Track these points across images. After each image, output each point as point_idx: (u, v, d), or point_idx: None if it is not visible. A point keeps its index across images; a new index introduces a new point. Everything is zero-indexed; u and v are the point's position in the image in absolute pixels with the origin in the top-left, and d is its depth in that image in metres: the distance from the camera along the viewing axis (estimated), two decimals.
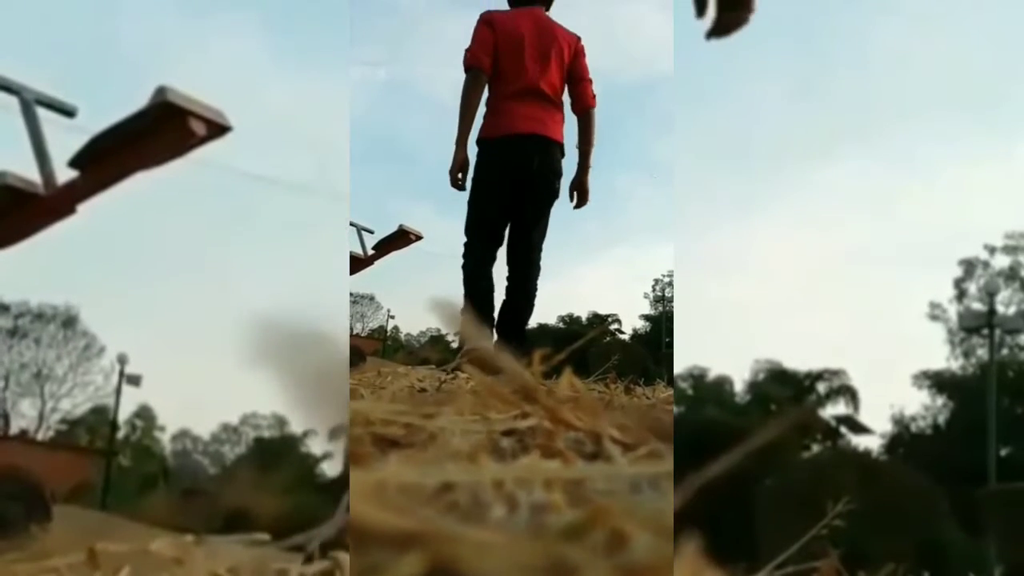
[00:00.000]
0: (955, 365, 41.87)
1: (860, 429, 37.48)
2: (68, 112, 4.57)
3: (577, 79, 6.30)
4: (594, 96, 6.37)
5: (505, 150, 6.09)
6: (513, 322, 6.21)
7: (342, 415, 1.96)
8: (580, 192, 6.42)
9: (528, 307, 6.31)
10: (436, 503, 1.07)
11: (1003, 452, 30.59)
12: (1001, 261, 42.89)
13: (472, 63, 6.11)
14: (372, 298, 67.49)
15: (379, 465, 1.43)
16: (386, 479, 1.05)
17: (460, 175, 6.20)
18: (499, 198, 6.15)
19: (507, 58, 6.10)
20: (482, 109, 6.32)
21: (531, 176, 6.08)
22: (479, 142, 6.24)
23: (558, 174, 6.21)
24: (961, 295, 42.77)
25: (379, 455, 1.52)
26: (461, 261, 6.24)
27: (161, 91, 3.81)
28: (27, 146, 4.20)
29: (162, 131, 3.96)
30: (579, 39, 6.34)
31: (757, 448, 1.38)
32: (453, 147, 6.25)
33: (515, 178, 6.10)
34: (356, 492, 0.97)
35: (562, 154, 6.23)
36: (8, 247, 4.46)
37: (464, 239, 6.26)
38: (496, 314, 6.20)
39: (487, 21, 6.16)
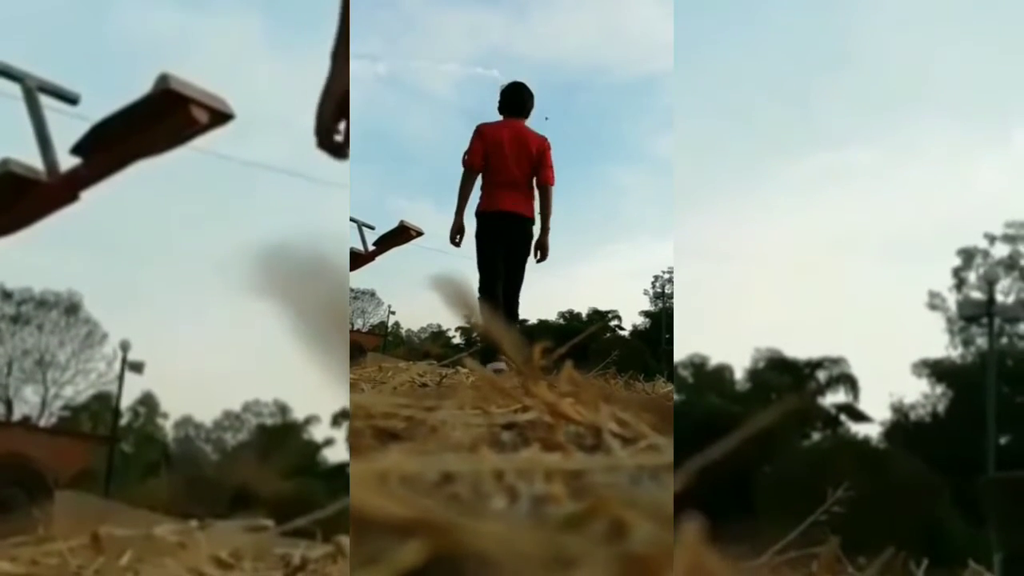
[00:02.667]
0: (955, 354, 41.88)
1: (860, 417, 37.56)
2: (71, 99, 4.56)
3: (541, 166, 8.33)
4: (552, 177, 8.38)
5: (494, 221, 8.28)
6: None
7: (343, 407, 1.97)
8: (541, 250, 8.41)
9: (514, 322, 8.42)
10: (437, 494, 1.07)
11: (1002, 440, 30.54)
12: (1000, 250, 42.92)
13: (468, 164, 8.34)
14: (373, 294, 67.67)
15: (380, 456, 1.43)
16: (387, 469, 1.05)
17: (458, 237, 8.45)
18: (494, 251, 8.23)
19: (493, 159, 8.26)
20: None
21: (511, 241, 8.25)
22: (478, 214, 8.41)
23: (528, 239, 8.31)
24: (960, 284, 42.75)
25: (380, 447, 1.52)
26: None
27: (163, 79, 3.81)
28: (30, 133, 4.20)
29: (164, 119, 3.96)
30: (545, 139, 8.42)
31: (758, 435, 1.39)
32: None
33: (501, 240, 8.24)
34: (356, 480, 0.97)
35: (531, 224, 8.33)
36: (11, 234, 4.46)
37: (478, 273, 8.34)
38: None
39: (479, 132, 8.38)
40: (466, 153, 8.42)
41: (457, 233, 8.43)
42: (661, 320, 61.27)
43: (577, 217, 79.84)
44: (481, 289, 8.23)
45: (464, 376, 3.98)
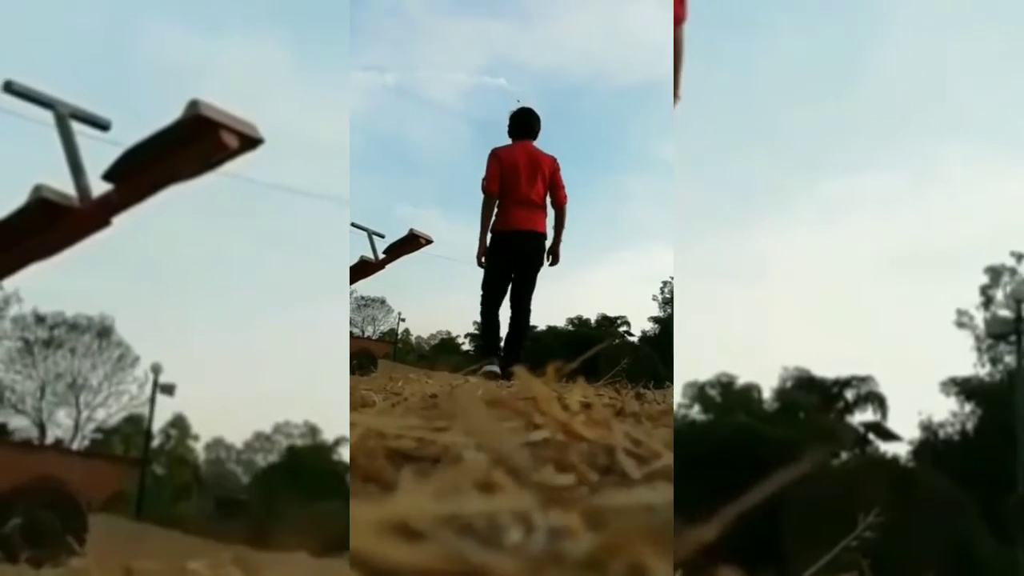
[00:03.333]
0: (982, 372, 41.58)
1: (888, 436, 37.35)
2: (102, 126, 4.60)
3: (554, 187, 9.26)
4: (566, 196, 9.30)
5: (510, 240, 9.12)
6: (514, 345, 9.14)
7: (344, 421, 1.99)
8: (553, 256, 9.38)
9: (524, 336, 9.31)
10: (449, 524, 1.05)
11: None
12: None
13: (487, 190, 9.15)
14: (383, 301, 68.64)
15: (389, 480, 1.44)
16: (393, 511, 1.03)
17: (483, 259, 9.28)
18: (505, 270, 9.17)
19: (509, 181, 9.07)
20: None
21: (526, 255, 9.14)
22: (494, 233, 9.25)
23: (542, 252, 9.22)
24: (988, 302, 42.43)
25: (390, 469, 1.52)
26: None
27: (193, 104, 3.84)
28: (62, 159, 4.25)
29: (195, 144, 3.99)
30: (555, 159, 9.32)
31: (786, 455, 1.41)
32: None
33: (516, 257, 9.15)
34: (359, 522, 0.96)
35: (545, 239, 9.23)
36: (44, 259, 4.51)
37: (481, 291, 9.34)
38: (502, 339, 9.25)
39: (495, 155, 9.18)
40: (484, 179, 9.24)
41: (483, 255, 9.30)
42: (670, 326, 61.02)
43: (585, 222, 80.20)
44: (482, 304, 9.33)
45: (474, 387, 3.99)
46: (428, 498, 1.09)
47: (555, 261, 9.42)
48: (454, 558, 0.92)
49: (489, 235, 9.32)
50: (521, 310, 9.28)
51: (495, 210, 9.28)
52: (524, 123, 9.49)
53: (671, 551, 1.03)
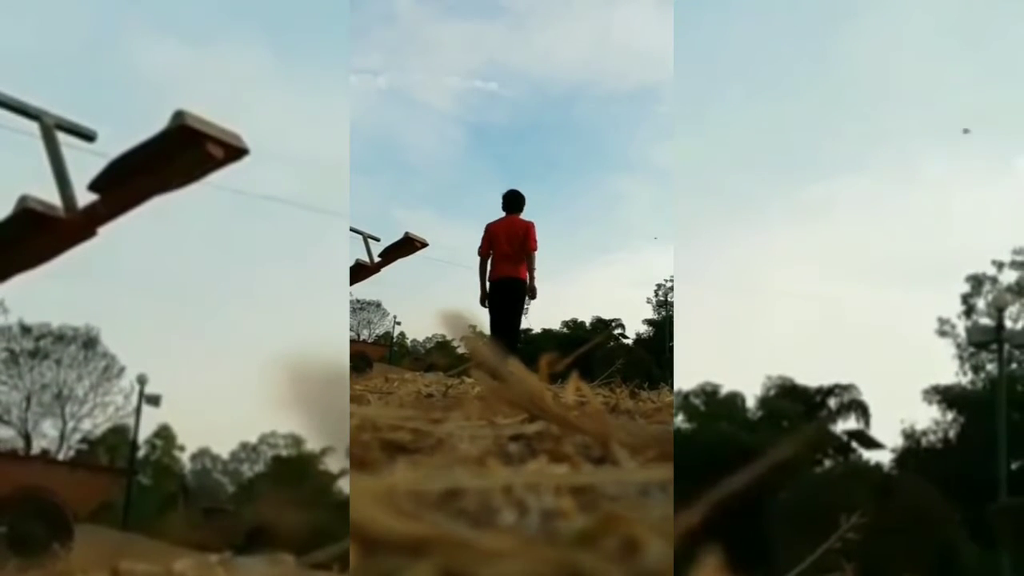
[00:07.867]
0: (964, 380, 41.52)
1: (872, 444, 37.30)
2: (88, 136, 4.61)
3: (527, 240, 11.84)
4: (534, 246, 11.87)
5: (497, 285, 11.87)
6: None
7: (344, 420, 2.00)
8: (530, 292, 11.95)
9: (513, 352, 10.65)
10: (444, 508, 1.07)
11: (1013, 466, 30.27)
12: (1009, 276, 42.52)
13: (478, 253, 12.07)
14: (379, 305, 68.47)
15: (385, 470, 1.45)
16: (392, 484, 1.06)
17: (486, 302, 11.96)
18: (500, 305, 11.83)
19: (495, 244, 11.93)
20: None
21: (509, 296, 11.83)
22: (490, 282, 11.97)
23: (520, 289, 11.86)
24: (969, 310, 42.39)
25: (386, 460, 1.54)
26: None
27: (179, 115, 3.86)
28: (48, 170, 4.26)
29: (180, 155, 4.00)
30: (530, 224, 12.04)
31: (771, 462, 1.42)
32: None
33: (503, 298, 11.83)
34: (358, 497, 0.98)
35: (522, 282, 11.84)
36: (30, 270, 4.52)
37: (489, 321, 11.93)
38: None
39: (486, 230, 12.08)
40: (480, 245, 12.06)
41: (484, 299, 12.06)
42: (664, 328, 61.13)
43: (579, 226, 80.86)
44: (490, 333, 11.63)
45: (470, 386, 4.01)
46: (422, 475, 1.10)
47: (533, 296, 12.11)
48: (447, 534, 0.94)
49: (489, 283, 12.02)
50: (510, 335, 11.72)
51: (488, 266, 12.12)
52: (510, 201, 12.34)
53: (671, 533, 1.05)
